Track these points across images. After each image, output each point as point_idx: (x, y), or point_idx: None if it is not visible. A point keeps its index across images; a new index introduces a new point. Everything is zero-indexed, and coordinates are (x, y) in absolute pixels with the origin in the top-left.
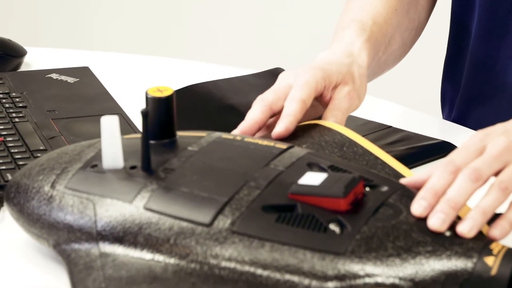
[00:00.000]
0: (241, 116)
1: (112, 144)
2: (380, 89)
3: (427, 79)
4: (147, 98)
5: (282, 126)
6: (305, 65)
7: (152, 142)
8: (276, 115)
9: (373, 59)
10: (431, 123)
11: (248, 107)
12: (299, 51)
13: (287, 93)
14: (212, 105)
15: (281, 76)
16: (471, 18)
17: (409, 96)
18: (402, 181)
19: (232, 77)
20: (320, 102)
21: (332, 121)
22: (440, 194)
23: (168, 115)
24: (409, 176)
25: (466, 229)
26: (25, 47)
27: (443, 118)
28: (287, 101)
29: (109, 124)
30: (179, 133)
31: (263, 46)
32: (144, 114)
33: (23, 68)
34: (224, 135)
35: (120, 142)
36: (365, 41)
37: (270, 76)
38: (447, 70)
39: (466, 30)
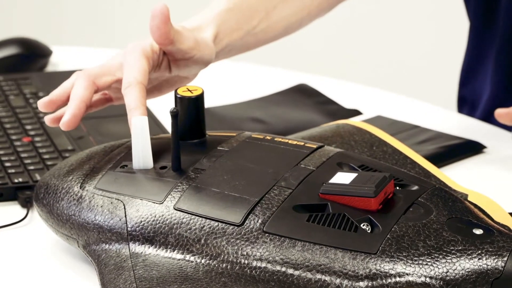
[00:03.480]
0: (264, 123)
1: (142, 145)
2: (403, 86)
3: (444, 76)
4: (176, 97)
5: (68, 114)
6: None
7: (181, 142)
8: (99, 91)
9: (236, 29)
10: (457, 121)
11: (273, 117)
12: (320, 49)
13: (113, 70)
14: (233, 118)
15: (112, 55)
16: (494, 31)
17: (425, 91)
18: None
19: (254, 99)
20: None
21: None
22: None
23: (198, 115)
24: (439, 175)
25: None
26: (50, 46)
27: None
28: (127, 87)
29: (139, 125)
30: (209, 133)
31: (287, 44)
32: (174, 114)
33: (49, 67)
34: (254, 134)
35: (150, 143)
36: (222, 12)
37: (294, 93)
38: (466, 76)
39: (488, 41)
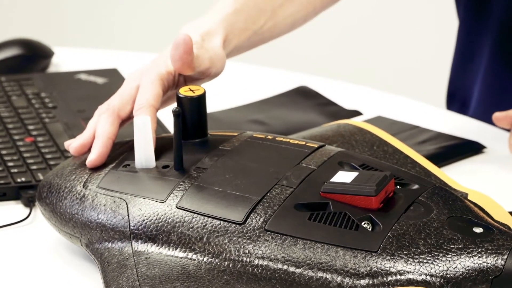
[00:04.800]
0: (265, 125)
1: (144, 144)
2: (403, 87)
3: (443, 76)
4: (178, 97)
5: (94, 153)
6: (154, 58)
7: (184, 141)
8: (125, 122)
9: (244, 30)
10: (457, 122)
11: (274, 119)
12: (322, 51)
13: (134, 95)
14: (234, 121)
15: (127, 77)
16: (485, 28)
17: (414, 89)
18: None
19: (255, 101)
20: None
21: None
22: None
23: (200, 115)
24: (440, 174)
25: None
26: (52, 47)
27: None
28: (138, 109)
29: (142, 124)
30: (211, 133)
31: (287, 46)
32: (177, 114)
33: (51, 68)
34: (256, 134)
35: (153, 142)
36: (230, 14)
37: (294, 95)
38: (456, 73)
39: (479, 38)
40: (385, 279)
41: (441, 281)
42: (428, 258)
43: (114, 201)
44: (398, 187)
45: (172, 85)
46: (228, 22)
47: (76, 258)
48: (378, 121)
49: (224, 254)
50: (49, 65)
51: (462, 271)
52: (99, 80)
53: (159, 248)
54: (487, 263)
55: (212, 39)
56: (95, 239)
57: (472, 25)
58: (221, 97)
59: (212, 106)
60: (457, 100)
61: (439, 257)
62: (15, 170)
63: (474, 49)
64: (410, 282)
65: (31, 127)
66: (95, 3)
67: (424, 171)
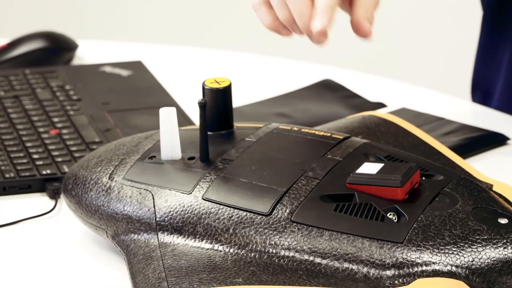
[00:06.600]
0: (289, 118)
1: (170, 135)
2: (427, 79)
3: (468, 68)
4: (204, 89)
5: (319, 22)
6: None
7: (209, 133)
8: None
9: None
10: (482, 114)
11: (298, 111)
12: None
13: None
14: (259, 115)
15: None
16: (508, 15)
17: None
18: None
19: (279, 95)
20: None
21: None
22: None
23: (226, 106)
24: (465, 165)
25: None
26: (76, 40)
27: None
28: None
29: (167, 116)
30: (236, 124)
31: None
32: (202, 105)
33: (75, 61)
34: (282, 125)
35: (178, 133)
36: None
37: (319, 88)
38: (480, 63)
39: (503, 26)
40: (410, 270)
41: (467, 272)
42: (454, 249)
43: (140, 193)
44: (423, 178)
45: None
46: None
47: (102, 250)
48: (402, 113)
49: (251, 246)
50: (73, 58)
51: (488, 262)
52: (124, 72)
53: (185, 240)
54: None
55: None
56: (121, 231)
57: (495, 16)
58: (245, 91)
59: (236, 100)
60: (480, 91)
61: (464, 248)
62: (40, 163)
63: (497, 40)
64: (435, 273)
65: (55, 120)
66: None
67: (449, 162)
